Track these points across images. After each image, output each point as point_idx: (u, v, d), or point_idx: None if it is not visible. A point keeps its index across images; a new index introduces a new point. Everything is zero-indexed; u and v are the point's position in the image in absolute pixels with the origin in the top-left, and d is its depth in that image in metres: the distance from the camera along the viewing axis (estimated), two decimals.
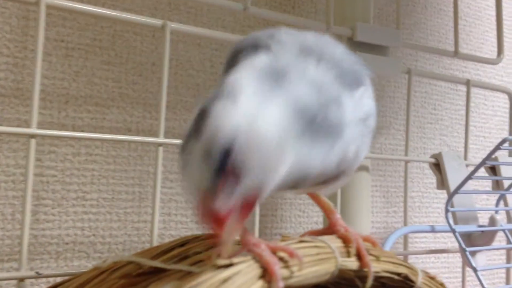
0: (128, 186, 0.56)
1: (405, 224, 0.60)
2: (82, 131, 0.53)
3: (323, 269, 0.27)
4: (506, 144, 0.51)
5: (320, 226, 0.65)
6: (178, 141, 0.49)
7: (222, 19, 0.62)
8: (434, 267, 0.77)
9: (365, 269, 0.29)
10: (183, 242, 0.32)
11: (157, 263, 0.29)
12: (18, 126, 0.50)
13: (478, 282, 0.51)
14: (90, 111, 0.54)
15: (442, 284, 0.33)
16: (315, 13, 0.70)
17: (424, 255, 0.73)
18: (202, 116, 0.24)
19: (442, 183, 0.61)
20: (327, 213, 0.33)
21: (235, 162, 0.23)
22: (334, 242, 0.29)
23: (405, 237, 0.60)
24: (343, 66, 0.28)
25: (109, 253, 0.54)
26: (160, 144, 0.45)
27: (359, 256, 0.30)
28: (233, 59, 0.30)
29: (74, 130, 0.53)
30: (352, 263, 0.30)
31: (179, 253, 0.30)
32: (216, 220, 0.23)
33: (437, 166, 0.62)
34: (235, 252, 0.26)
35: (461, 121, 0.81)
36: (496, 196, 0.60)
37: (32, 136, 0.40)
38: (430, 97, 0.80)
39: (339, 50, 0.30)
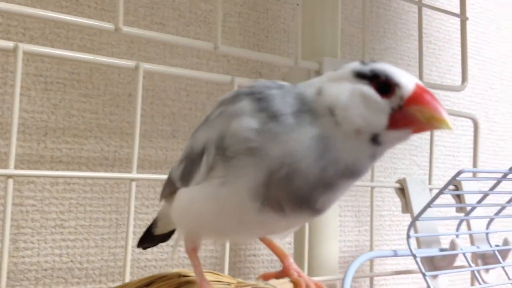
0: (105, 213, 0.58)
1: (371, 248, 0.63)
2: (60, 161, 0.56)
3: None
4: (463, 175, 0.55)
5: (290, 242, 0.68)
6: (149, 176, 0.51)
7: (197, 49, 0.65)
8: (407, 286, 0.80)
9: None
10: (149, 282, 0.34)
11: None
12: None
13: None
14: (68, 142, 0.57)
15: None
16: (287, 42, 0.73)
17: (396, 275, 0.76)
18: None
19: (406, 207, 0.64)
20: (281, 258, 0.35)
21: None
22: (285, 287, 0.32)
23: (371, 260, 0.63)
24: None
25: (86, 278, 0.56)
26: (133, 179, 0.48)
27: None
28: None
29: (52, 161, 0.55)
30: None
31: None
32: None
33: (402, 190, 0.65)
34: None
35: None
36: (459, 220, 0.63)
37: (10, 176, 0.42)
38: None
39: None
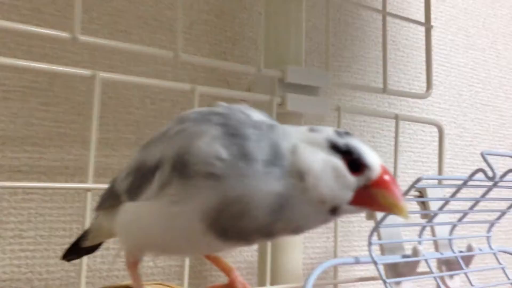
0: (65, 223, 0.57)
1: (335, 255, 0.63)
2: (19, 171, 0.55)
3: None
4: (423, 182, 0.55)
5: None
6: (106, 185, 0.51)
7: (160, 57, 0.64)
8: None
9: None
10: None
11: None
12: None
13: None
14: (27, 151, 0.56)
15: None
16: (255, 50, 0.73)
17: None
18: None
19: (371, 214, 0.64)
20: (226, 272, 0.35)
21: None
22: None
23: (335, 267, 0.64)
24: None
25: None
26: (88, 190, 0.47)
27: None
28: None
29: (11, 170, 0.55)
30: None
31: None
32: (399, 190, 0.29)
33: None
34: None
35: (399, 147, 0.85)
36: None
37: None
38: (369, 126, 0.84)
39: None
